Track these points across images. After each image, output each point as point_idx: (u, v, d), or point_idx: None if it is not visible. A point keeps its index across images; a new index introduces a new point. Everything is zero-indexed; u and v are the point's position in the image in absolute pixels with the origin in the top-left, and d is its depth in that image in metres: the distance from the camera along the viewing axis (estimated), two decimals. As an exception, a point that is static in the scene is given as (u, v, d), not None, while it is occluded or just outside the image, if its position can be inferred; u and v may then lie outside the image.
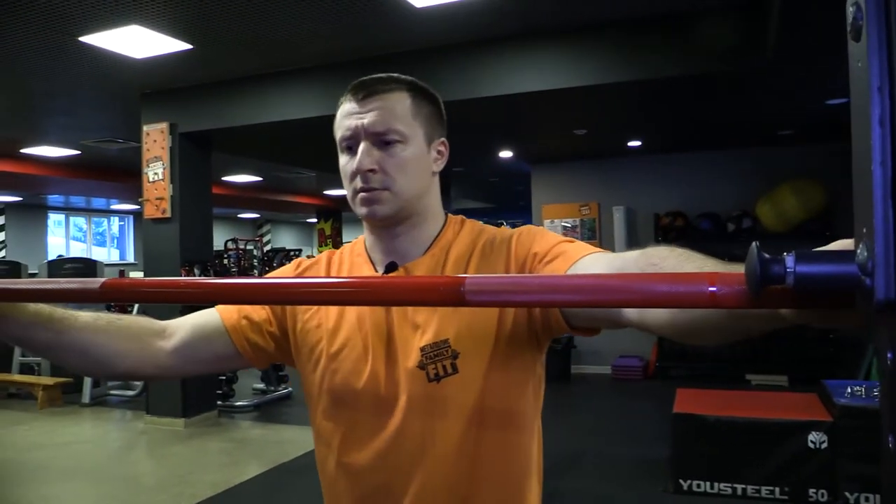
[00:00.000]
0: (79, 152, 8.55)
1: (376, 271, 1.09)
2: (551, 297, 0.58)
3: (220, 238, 12.02)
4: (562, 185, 8.67)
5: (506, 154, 8.26)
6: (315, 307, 1.11)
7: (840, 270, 0.45)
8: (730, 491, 4.04)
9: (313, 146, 7.51)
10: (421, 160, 1.05)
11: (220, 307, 1.14)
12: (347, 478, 1.05)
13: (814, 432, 3.89)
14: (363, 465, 1.02)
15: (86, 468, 5.09)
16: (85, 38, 4.47)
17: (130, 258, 15.67)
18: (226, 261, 12.35)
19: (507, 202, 15.43)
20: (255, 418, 6.52)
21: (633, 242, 8.20)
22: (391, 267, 1.08)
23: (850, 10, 0.43)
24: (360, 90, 1.03)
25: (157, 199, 5.99)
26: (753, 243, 0.47)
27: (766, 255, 0.45)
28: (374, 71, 1.07)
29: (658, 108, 6.03)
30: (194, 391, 6.10)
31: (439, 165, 1.10)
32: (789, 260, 0.45)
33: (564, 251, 0.96)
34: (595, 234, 8.56)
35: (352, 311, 1.07)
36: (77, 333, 1.03)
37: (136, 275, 8.85)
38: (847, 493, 3.83)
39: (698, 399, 4.44)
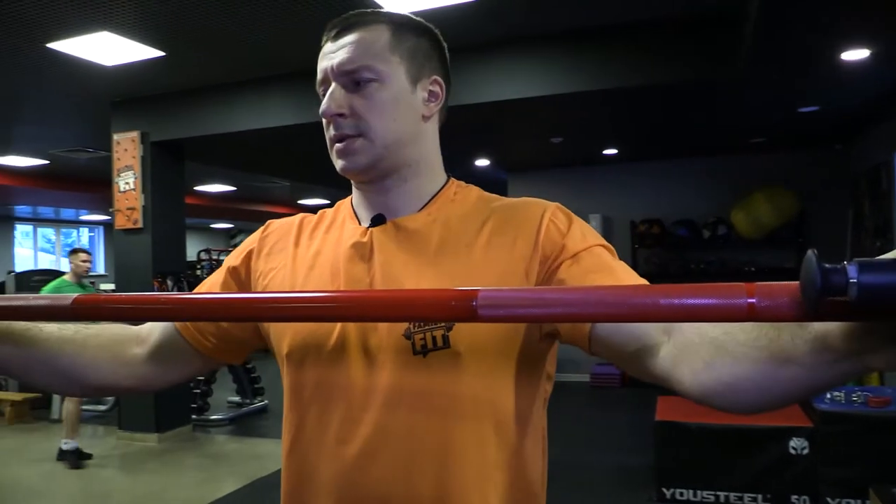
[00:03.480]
0: (47, 162, 8.36)
1: (360, 226, 0.95)
2: (568, 311, 0.53)
3: (192, 249, 11.84)
4: (538, 193, 8.33)
5: (482, 162, 8.23)
6: (282, 261, 0.96)
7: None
8: (712, 498, 4.03)
9: (288, 155, 7.42)
10: (402, 101, 0.91)
11: None
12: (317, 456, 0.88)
13: (795, 438, 3.89)
14: (331, 448, 0.87)
15: (56, 486, 4.93)
16: (53, 45, 4.36)
17: (101, 269, 15.36)
18: (199, 272, 12.18)
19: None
20: (230, 432, 6.39)
21: (610, 250, 8.21)
22: (378, 220, 0.94)
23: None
24: (335, 27, 0.91)
25: (128, 209, 5.87)
26: (810, 251, 0.42)
27: (826, 264, 0.41)
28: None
29: (632, 116, 6.05)
30: (168, 405, 5.96)
31: (432, 108, 0.96)
32: (851, 269, 0.40)
33: (609, 267, 0.85)
34: (572, 241, 8.56)
35: (325, 261, 0.93)
36: (42, 347, 0.92)
37: (109, 287, 8.65)
38: (829, 499, 3.84)
39: (679, 406, 4.42)
